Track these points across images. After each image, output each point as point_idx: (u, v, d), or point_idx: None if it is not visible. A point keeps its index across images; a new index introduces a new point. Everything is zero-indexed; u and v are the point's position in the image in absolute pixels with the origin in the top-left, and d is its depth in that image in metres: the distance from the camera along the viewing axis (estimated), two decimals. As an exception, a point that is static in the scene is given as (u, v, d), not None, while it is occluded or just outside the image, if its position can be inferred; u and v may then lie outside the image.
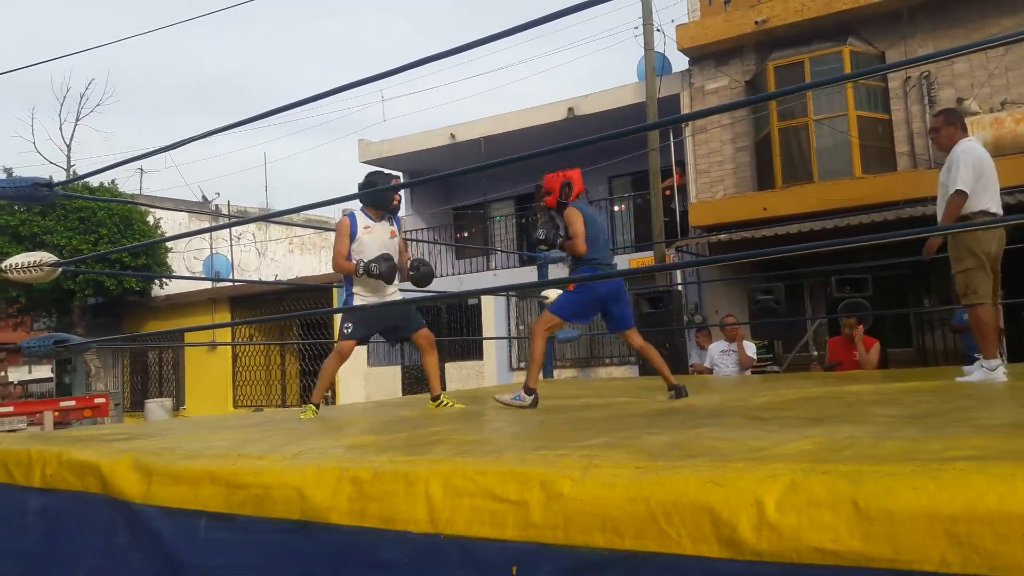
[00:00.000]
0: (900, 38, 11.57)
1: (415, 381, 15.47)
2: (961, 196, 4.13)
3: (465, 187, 17.37)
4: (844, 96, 11.69)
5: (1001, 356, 4.37)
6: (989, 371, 4.03)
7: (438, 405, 4.63)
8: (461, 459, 1.90)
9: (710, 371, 7.53)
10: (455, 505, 1.74)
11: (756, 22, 12.13)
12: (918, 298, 11.33)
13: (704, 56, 13.01)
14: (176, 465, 2.34)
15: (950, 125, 4.40)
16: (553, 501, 1.63)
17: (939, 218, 4.38)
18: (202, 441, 2.97)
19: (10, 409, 12.48)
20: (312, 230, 20.78)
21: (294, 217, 18.53)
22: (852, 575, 1.30)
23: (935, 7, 11.33)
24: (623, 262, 14.28)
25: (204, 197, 22.93)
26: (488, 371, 14.84)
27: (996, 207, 4.28)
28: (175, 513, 2.24)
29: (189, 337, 16.09)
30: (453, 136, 15.88)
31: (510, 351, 14.98)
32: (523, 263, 14.96)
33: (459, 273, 16.21)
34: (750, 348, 7.48)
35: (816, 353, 10.41)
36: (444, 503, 1.76)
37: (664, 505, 1.49)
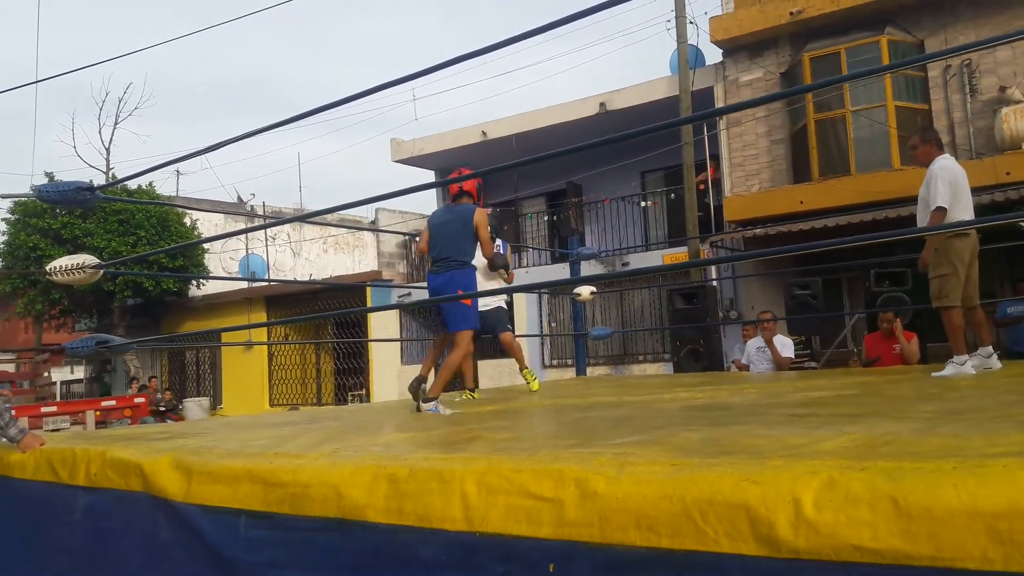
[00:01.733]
0: (940, 26, 11.34)
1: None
2: (942, 212, 4.50)
3: (496, 184, 17.39)
4: (882, 86, 11.49)
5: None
6: (959, 366, 4.44)
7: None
8: (496, 457, 1.90)
9: (747, 367, 7.45)
10: (490, 503, 1.74)
11: (791, 13, 11.97)
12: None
13: (738, 48, 12.87)
14: (215, 464, 2.37)
15: (926, 143, 4.80)
16: (588, 499, 1.63)
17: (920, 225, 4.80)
18: (240, 440, 3.00)
19: (54, 409, 12.77)
20: (346, 230, 20.97)
21: (328, 217, 18.70)
22: (892, 573, 1.29)
23: (976, -7, 11.08)
24: (656, 258, 14.20)
25: (240, 198, 23.23)
26: (521, 368, 14.84)
27: (969, 216, 4.71)
28: (215, 511, 2.28)
29: (226, 337, 16.32)
30: (484, 134, 15.91)
31: (542, 348, 14.97)
32: (555, 260, 14.94)
33: (492, 271, 16.21)
34: (787, 346, 7.34)
35: (855, 348, 10.25)
36: (479, 501, 1.76)
37: (700, 503, 1.48)
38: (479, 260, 4.67)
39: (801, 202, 11.33)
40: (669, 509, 1.51)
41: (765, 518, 1.39)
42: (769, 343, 7.21)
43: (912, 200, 10.15)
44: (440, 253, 4.46)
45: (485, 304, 5.12)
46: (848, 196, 10.75)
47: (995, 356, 4.78)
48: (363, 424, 3.55)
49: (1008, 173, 9.61)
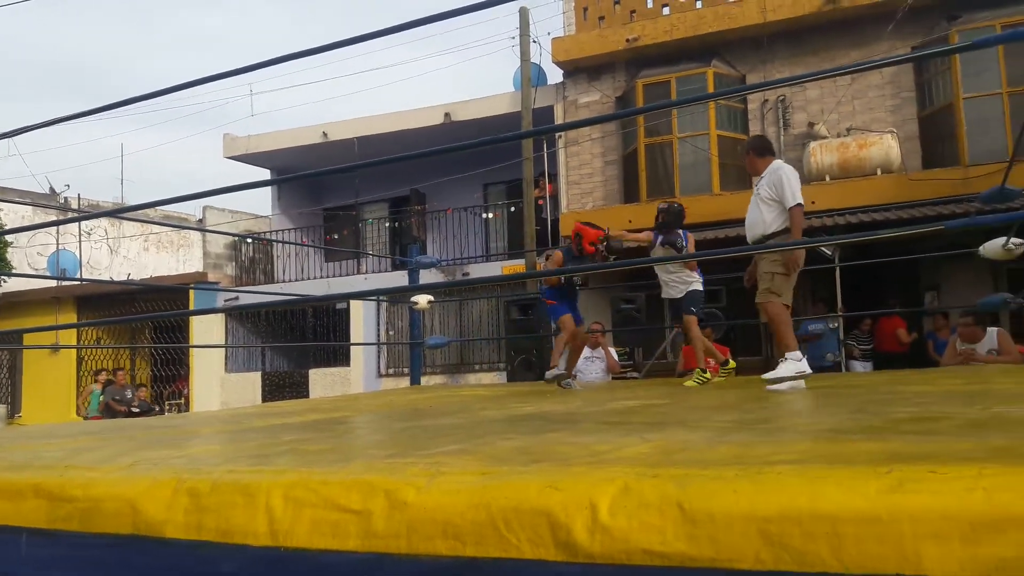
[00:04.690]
0: (760, 63, 12.29)
1: (275, 388, 15.00)
2: (801, 207, 4.54)
3: (336, 188, 17.05)
4: (707, 116, 12.28)
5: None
6: (795, 361, 4.21)
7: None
8: (306, 469, 1.85)
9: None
10: (296, 516, 1.69)
11: (628, 40, 12.57)
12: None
13: (578, 70, 13.35)
14: (-6, 478, 2.16)
15: (750, 152, 4.90)
16: (397, 510, 1.62)
17: (753, 235, 4.78)
18: (30, 451, 2.76)
19: None
20: (169, 228, 19.78)
21: (151, 213, 17.59)
22: (678, 575, 1.36)
23: (792, 36, 12.11)
24: (495, 268, 14.43)
25: (52, 189, 21.35)
26: (355, 378, 14.59)
27: None
28: (-8, 530, 2.07)
29: (28, 339, 14.92)
30: (325, 135, 15.56)
31: (379, 357, 14.78)
32: (395, 267, 14.82)
33: (328, 276, 15.87)
34: (613, 354, 7.76)
35: (673, 359, 10.85)
36: (285, 515, 1.71)
37: (505, 510, 1.50)
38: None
39: (630, 221, 11.87)
40: (475, 518, 1.52)
41: (564, 524, 1.43)
42: (605, 348, 7.61)
43: (729, 223, 10.90)
44: None
45: (679, 291, 5.95)
46: (673, 217, 11.38)
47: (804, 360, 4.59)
48: (172, 435, 3.36)
49: (813, 202, 10.52)
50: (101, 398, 13.06)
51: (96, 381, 13.83)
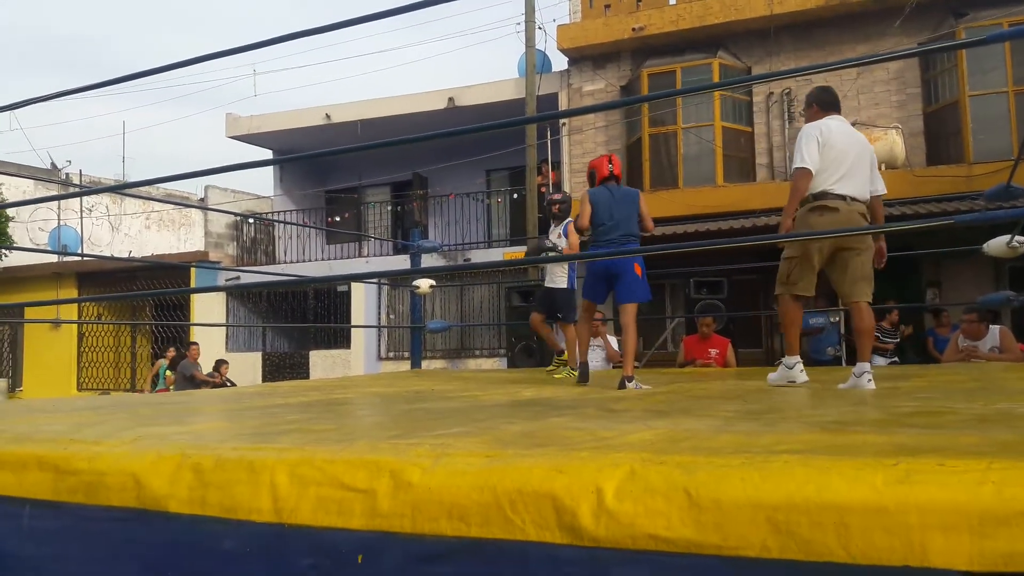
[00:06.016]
0: (766, 55, 12.24)
1: (275, 368, 15.02)
2: (801, 173, 3.79)
3: (339, 170, 17.01)
4: (711, 107, 12.24)
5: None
6: (787, 368, 3.92)
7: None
8: (310, 448, 1.86)
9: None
10: (301, 494, 1.70)
11: (634, 28, 12.51)
12: (768, 301, 12.06)
13: (583, 58, 13.29)
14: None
15: (815, 103, 4.08)
16: (402, 490, 1.62)
17: None
18: (34, 424, 2.77)
19: None
20: (171, 206, 19.73)
21: (152, 191, 17.55)
22: (682, 561, 1.36)
23: (799, 29, 12.06)
24: (497, 254, 14.43)
25: (53, 164, 21.27)
26: (355, 360, 14.60)
27: (844, 190, 3.80)
28: (-5, 501, 2.08)
29: (30, 313, 14.93)
30: (328, 116, 15.50)
31: (379, 340, 14.80)
32: (397, 251, 14.81)
33: (329, 259, 15.86)
34: (614, 343, 7.75)
35: (674, 350, 10.87)
36: (290, 492, 1.71)
37: (510, 493, 1.51)
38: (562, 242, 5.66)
39: (634, 210, 11.87)
40: (480, 499, 1.53)
41: (569, 507, 1.43)
42: (604, 337, 7.61)
43: (731, 215, 10.86)
44: (616, 228, 4.68)
45: (557, 284, 5.85)
46: (675, 208, 11.37)
47: (867, 375, 3.70)
48: (174, 412, 3.37)
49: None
50: (168, 373, 12.70)
51: (165, 356, 13.35)
